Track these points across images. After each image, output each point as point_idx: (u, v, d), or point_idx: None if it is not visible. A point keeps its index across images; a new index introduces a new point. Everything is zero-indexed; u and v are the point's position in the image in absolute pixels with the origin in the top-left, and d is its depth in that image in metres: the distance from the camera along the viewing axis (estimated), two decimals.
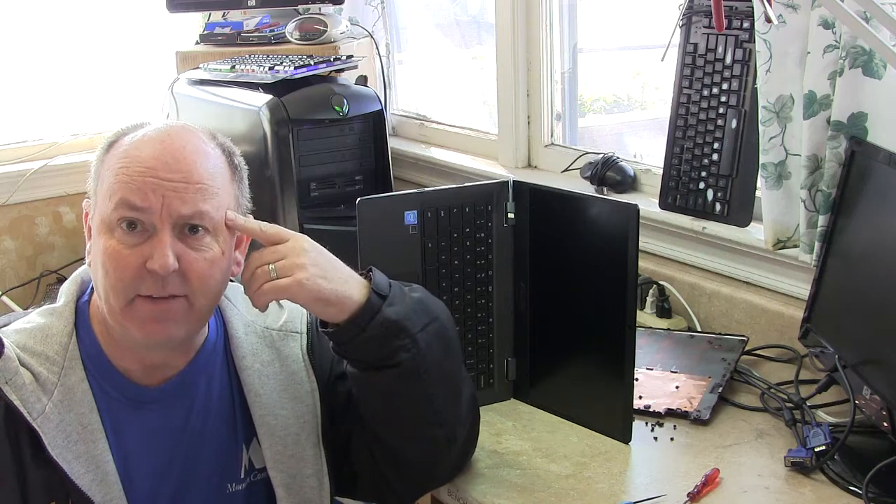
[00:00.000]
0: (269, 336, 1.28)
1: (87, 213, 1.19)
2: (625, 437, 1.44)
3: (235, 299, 1.28)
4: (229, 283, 1.23)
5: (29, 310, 1.25)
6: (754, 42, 1.60)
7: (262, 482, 1.26)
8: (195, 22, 2.71)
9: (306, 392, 1.28)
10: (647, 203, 1.91)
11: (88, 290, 1.22)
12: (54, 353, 1.15)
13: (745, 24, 1.71)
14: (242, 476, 1.26)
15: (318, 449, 1.27)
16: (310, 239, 1.19)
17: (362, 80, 2.21)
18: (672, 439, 1.45)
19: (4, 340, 1.12)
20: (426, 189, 1.59)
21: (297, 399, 1.27)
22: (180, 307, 1.14)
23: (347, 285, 1.17)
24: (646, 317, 1.83)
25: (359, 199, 1.45)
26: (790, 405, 1.48)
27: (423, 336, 1.21)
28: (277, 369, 1.27)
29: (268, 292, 1.14)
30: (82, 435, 1.14)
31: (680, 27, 1.82)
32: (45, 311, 1.20)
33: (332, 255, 1.20)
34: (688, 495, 1.29)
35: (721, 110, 1.77)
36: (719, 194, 1.79)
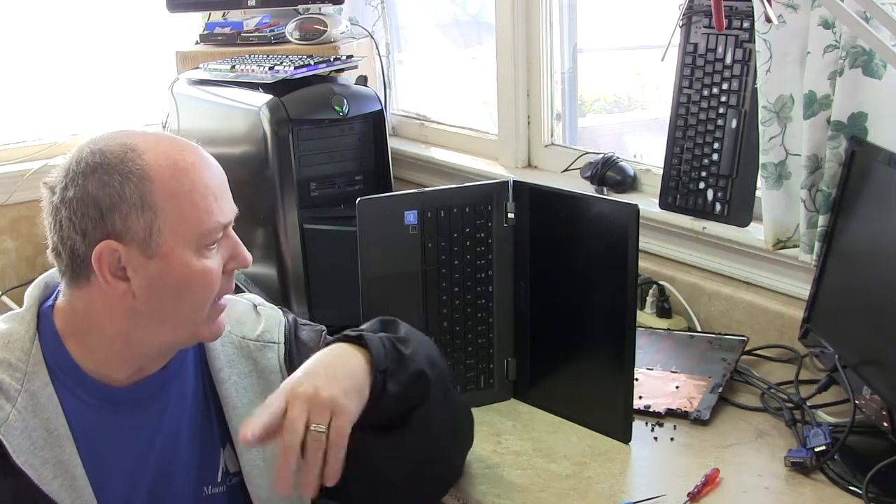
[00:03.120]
0: (247, 347, 1.27)
1: (118, 252, 1.10)
2: (625, 437, 1.44)
3: None
4: None
5: None
6: (754, 42, 1.60)
7: (240, 486, 1.25)
8: (195, 22, 2.71)
9: None
10: (647, 203, 1.91)
11: (53, 295, 1.20)
12: (16, 360, 1.13)
13: (745, 24, 1.71)
14: (220, 479, 1.25)
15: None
16: (297, 374, 1.12)
17: (362, 80, 2.21)
18: (672, 439, 1.45)
19: None
20: (426, 189, 1.60)
21: None
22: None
23: (357, 374, 1.14)
24: (646, 317, 1.83)
25: (359, 199, 1.46)
26: (790, 405, 1.48)
27: (434, 391, 1.21)
28: (255, 381, 1.25)
29: (337, 446, 1.08)
30: (48, 440, 1.12)
31: (680, 27, 1.82)
32: (8, 317, 1.19)
33: (316, 360, 1.15)
34: (688, 495, 1.29)
35: (721, 110, 1.77)
36: (719, 194, 1.78)
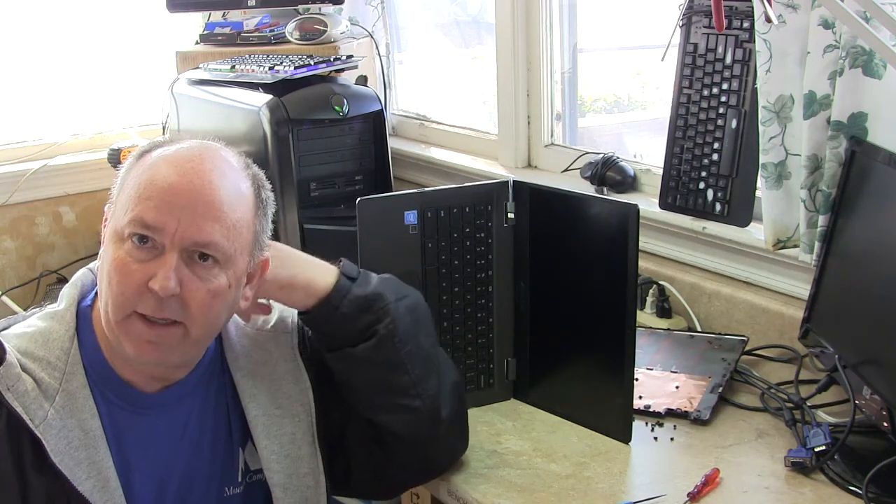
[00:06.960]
0: (261, 337, 1.28)
1: (106, 218, 1.17)
2: (625, 437, 1.44)
3: None
4: None
5: (29, 312, 1.24)
6: (754, 42, 1.60)
7: (258, 483, 1.26)
8: (195, 22, 2.71)
9: (300, 391, 1.28)
10: (647, 203, 1.91)
11: (91, 294, 1.21)
12: (56, 359, 1.14)
13: (745, 24, 1.71)
14: (240, 479, 1.26)
15: (313, 447, 1.27)
16: (281, 248, 1.26)
17: (362, 80, 2.21)
18: (672, 439, 1.45)
19: (6, 346, 1.11)
20: (426, 189, 1.59)
21: (291, 398, 1.27)
22: (176, 335, 1.12)
23: (310, 272, 1.24)
24: (646, 317, 1.83)
25: (359, 199, 1.46)
26: (790, 405, 1.48)
27: (396, 307, 1.26)
28: (270, 369, 1.27)
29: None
30: (84, 441, 1.13)
31: (680, 27, 1.82)
32: (46, 314, 1.19)
33: (296, 250, 1.28)
34: (688, 495, 1.29)
35: (721, 110, 1.77)
36: (719, 194, 1.79)
